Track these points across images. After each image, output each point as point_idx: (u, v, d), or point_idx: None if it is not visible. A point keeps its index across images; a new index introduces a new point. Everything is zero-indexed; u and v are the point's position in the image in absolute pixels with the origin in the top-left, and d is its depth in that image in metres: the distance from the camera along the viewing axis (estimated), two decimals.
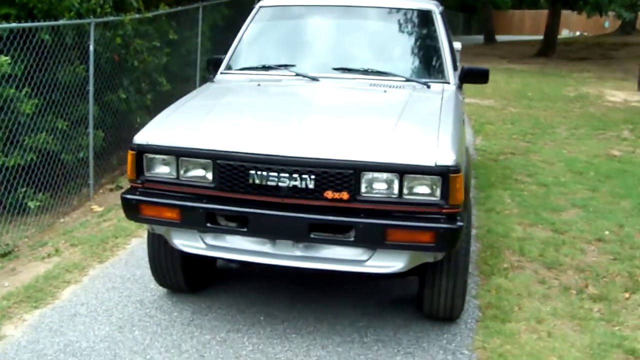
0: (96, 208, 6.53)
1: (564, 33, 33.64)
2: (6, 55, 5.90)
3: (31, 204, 6.26)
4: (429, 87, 4.22)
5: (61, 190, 6.75)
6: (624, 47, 23.41)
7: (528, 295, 4.33)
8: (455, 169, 3.17)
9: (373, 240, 3.25)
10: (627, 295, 4.39)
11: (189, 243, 3.60)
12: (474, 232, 5.47)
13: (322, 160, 3.22)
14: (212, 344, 3.67)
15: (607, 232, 5.50)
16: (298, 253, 3.45)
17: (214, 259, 3.92)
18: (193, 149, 3.41)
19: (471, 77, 4.55)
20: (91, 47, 6.73)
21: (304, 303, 4.15)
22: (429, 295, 3.74)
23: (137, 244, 5.14)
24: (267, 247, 3.49)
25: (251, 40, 4.76)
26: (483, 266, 4.77)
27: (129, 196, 3.55)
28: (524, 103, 12.25)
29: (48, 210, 6.47)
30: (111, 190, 7.20)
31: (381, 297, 4.28)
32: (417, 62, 4.52)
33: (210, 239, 3.57)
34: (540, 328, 3.91)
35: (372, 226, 3.21)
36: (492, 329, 3.87)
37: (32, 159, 6.24)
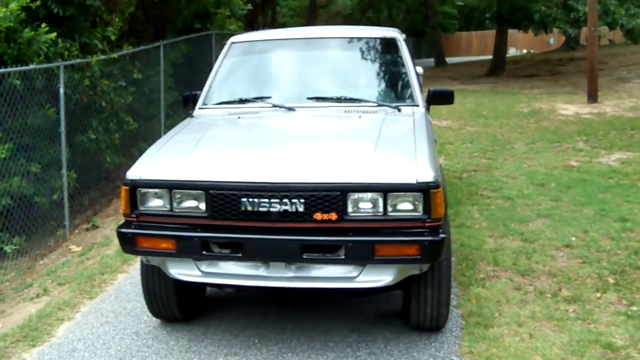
0: (74, 248, 6.58)
1: (511, 51, 34.73)
2: None
3: (7, 249, 6.29)
4: (399, 110, 4.47)
5: (37, 233, 6.78)
6: (570, 62, 24.31)
7: (506, 301, 4.56)
8: (435, 185, 3.40)
9: (362, 256, 3.44)
10: (598, 295, 4.65)
11: (185, 272, 3.74)
12: None
13: (310, 185, 3.42)
14: None
15: (573, 238, 5.79)
16: (291, 274, 3.62)
17: (210, 285, 4.05)
18: (184, 181, 3.57)
19: (437, 98, 4.82)
20: (61, 90, 6.84)
21: (295, 324, 4.30)
22: (415, 307, 3.94)
23: (124, 279, 5.23)
24: (261, 271, 3.65)
25: (225, 75, 4.96)
26: (461, 277, 4.99)
27: (124, 230, 3.68)
28: (480, 122, 12.66)
29: (25, 253, 6.50)
30: (87, 229, 7.25)
31: (367, 313, 4.46)
32: (386, 88, 4.78)
33: (205, 267, 3.72)
34: (522, 330, 4.13)
35: (361, 243, 3.41)
36: (476, 335, 4.08)
37: (6, 203, 6.28)
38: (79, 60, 7.21)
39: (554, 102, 15.11)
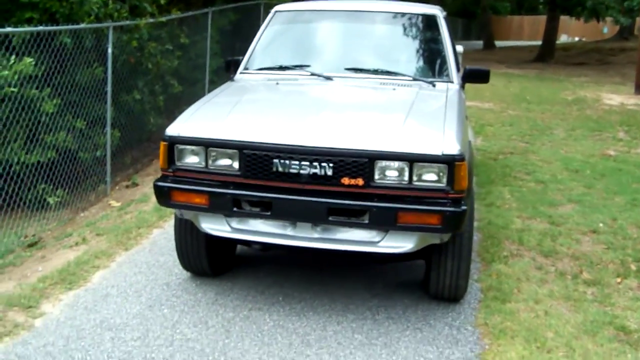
0: (114, 203, 6.85)
1: (563, 39, 34.06)
2: (29, 58, 6.24)
3: (50, 200, 6.58)
4: (434, 85, 4.56)
5: (79, 187, 7.07)
6: (621, 52, 23.78)
7: (526, 279, 4.65)
8: (460, 158, 3.50)
9: (385, 222, 3.57)
10: (618, 280, 4.71)
11: (216, 227, 3.92)
12: (476, 224, 5.78)
13: (340, 150, 3.56)
14: (236, 320, 3.99)
15: (601, 225, 5.82)
16: (317, 235, 3.78)
17: (239, 241, 4.22)
18: (221, 139, 3.74)
19: (473, 77, 4.88)
20: (109, 50, 7.06)
21: (319, 285, 4.47)
22: (435, 277, 4.06)
23: (159, 233, 5.47)
24: (288, 230, 3.82)
25: (267, 43, 5.10)
26: (484, 254, 5.09)
27: (161, 183, 3.88)
28: (523, 106, 12.58)
29: (66, 206, 6.79)
30: (127, 187, 7.52)
31: (389, 280, 4.60)
32: (423, 63, 4.86)
33: (235, 223, 3.90)
34: (538, 308, 4.22)
35: (385, 209, 3.53)
36: (493, 308, 4.19)
37: (52, 156, 6.56)
38: (127, 22, 7.41)
39: (600, 91, 14.90)
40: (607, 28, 32.54)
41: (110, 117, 7.30)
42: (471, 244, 4.05)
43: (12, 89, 5.99)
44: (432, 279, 4.09)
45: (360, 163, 3.54)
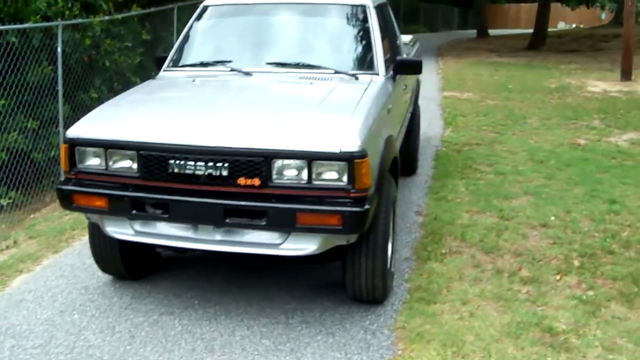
0: None
1: (560, 25, 33.59)
2: None
3: (2, 201, 6.50)
4: (357, 78, 4.40)
5: (34, 188, 6.98)
6: (615, 38, 23.28)
7: (459, 278, 4.49)
8: (359, 155, 3.34)
9: (284, 224, 3.43)
10: (558, 277, 4.54)
11: (119, 230, 3.80)
12: (420, 219, 5.66)
13: (234, 149, 3.42)
14: (144, 326, 3.87)
15: (552, 218, 5.65)
16: (219, 237, 3.64)
17: (144, 245, 4.09)
18: (119, 140, 3.61)
19: (404, 68, 4.72)
20: (59, 49, 6.94)
21: (239, 287, 4.34)
22: (350, 278, 3.92)
23: None
24: (190, 233, 3.69)
25: (193, 38, 4.96)
26: (422, 252, 4.93)
27: (62, 187, 3.76)
28: (503, 95, 12.36)
29: (22, 207, 6.70)
30: None
31: (314, 281, 4.45)
32: (347, 55, 4.69)
33: (138, 226, 3.77)
34: (464, 309, 4.06)
35: (282, 211, 3.39)
36: (416, 310, 4.04)
37: (2, 158, 6.46)
38: (77, 21, 7.29)
39: (587, 78, 14.64)
40: (604, 14, 32.06)
41: (63, 117, 7.19)
42: (386, 242, 3.89)
43: None
44: (347, 280, 3.95)
45: (256, 162, 3.40)
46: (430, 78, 14.90)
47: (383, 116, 4.10)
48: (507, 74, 15.76)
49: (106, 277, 4.49)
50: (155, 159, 3.52)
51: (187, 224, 3.65)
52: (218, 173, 3.43)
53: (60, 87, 7.03)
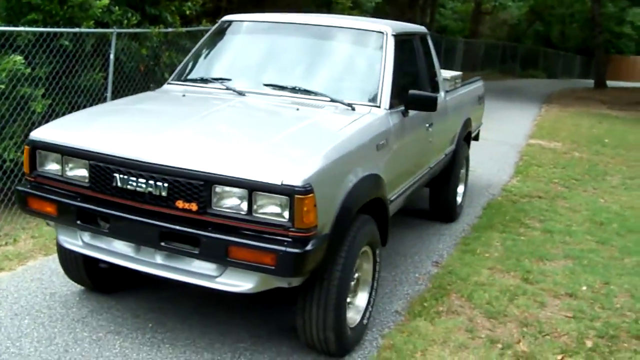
0: None
1: None
2: (33, 58, 6.36)
3: None
4: (353, 109, 4.06)
5: None
6: None
7: (442, 342, 4.01)
8: (302, 190, 3.02)
9: (216, 255, 3.16)
10: (559, 357, 3.97)
11: (69, 240, 3.68)
12: (433, 271, 5.20)
13: (174, 169, 3.19)
14: (84, 342, 3.70)
15: (584, 288, 5.01)
16: (159, 261, 3.42)
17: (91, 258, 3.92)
18: (72, 147, 3.49)
19: (416, 103, 4.32)
20: (111, 56, 7.06)
21: (202, 316, 4.09)
22: (300, 325, 3.58)
23: None
24: (132, 252, 3.49)
25: (204, 53, 4.81)
26: (416, 307, 4.48)
27: (19, 188, 3.68)
28: (594, 149, 11.46)
29: None
30: None
31: (285, 322, 4.11)
32: (349, 84, 4.35)
33: (87, 238, 3.62)
34: None
35: (215, 241, 3.12)
36: None
37: None
38: (132, 30, 7.38)
39: None
40: None
41: None
42: (344, 292, 3.51)
43: (0, 85, 6.10)
44: (298, 327, 3.60)
45: (195, 185, 3.15)
46: (523, 124, 14.17)
47: (365, 152, 3.74)
48: (609, 127, 14.69)
49: (78, 287, 4.38)
50: (102, 170, 3.36)
51: (125, 241, 3.46)
52: (158, 192, 3.22)
53: (109, 94, 7.12)
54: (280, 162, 3.21)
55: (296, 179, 3.04)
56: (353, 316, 3.86)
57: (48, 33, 6.42)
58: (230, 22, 4.93)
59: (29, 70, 6.32)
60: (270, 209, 3.11)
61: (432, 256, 5.56)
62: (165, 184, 3.19)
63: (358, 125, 3.83)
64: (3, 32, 6.25)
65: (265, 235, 3.10)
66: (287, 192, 3.03)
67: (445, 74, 6.12)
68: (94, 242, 3.61)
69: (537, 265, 5.44)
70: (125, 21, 7.34)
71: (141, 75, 7.78)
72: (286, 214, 3.07)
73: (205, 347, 3.75)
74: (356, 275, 3.81)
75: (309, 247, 3.07)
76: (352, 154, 3.56)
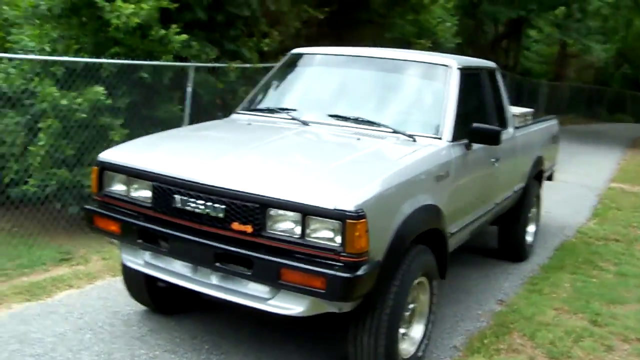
0: None
1: None
2: (115, 90, 6.72)
3: None
4: (414, 140, 4.07)
5: None
6: None
7: None
8: (354, 215, 3.04)
9: (268, 277, 3.20)
10: None
11: (132, 259, 3.81)
12: (497, 309, 5.06)
13: (231, 191, 3.27)
14: (140, 358, 3.81)
15: None
16: (214, 282, 3.49)
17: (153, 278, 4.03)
18: (137, 169, 3.64)
19: (479, 136, 4.28)
20: (189, 89, 7.35)
21: (259, 341, 4.13)
22: (352, 353, 3.56)
23: None
24: (189, 272, 3.58)
25: (272, 84, 4.95)
26: (475, 343, 4.37)
27: (87, 207, 3.87)
28: None
29: None
30: None
31: (338, 351, 4.08)
32: (411, 116, 4.36)
33: (148, 257, 3.74)
34: None
35: (267, 263, 3.16)
36: None
37: None
38: (209, 65, 7.67)
39: None
40: None
41: None
42: (396, 321, 3.48)
43: (82, 115, 6.46)
44: (350, 356, 3.58)
45: (251, 208, 3.22)
46: (605, 167, 13.70)
47: (424, 183, 3.73)
48: None
49: (141, 307, 4.51)
50: (163, 191, 3.49)
51: (183, 261, 3.55)
52: (215, 214, 3.31)
53: (185, 125, 7.37)
54: (334, 187, 3.24)
55: (349, 204, 3.06)
56: (407, 347, 3.81)
57: (129, 65, 6.77)
58: (299, 55, 5.06)
59: (109, 101, 6.68)
60: (323, 234, 3.14)
61: (497, 294, 5.42)
62: (222, 206, 3.28)
63: (417, 155, 3.83)
64: (89, 64, 6.64)
65: (317, 259, 3.12)
66: (339, 216, 3.05)
67: (515, 110, 6.04)
68: (154, 262, 3.72)
69: (608, 308, 5.21)
70: (204, 56, 7.64)
71: (217, 109, 8.04)
72: (338, 239, 3.09)
73: None
74: (411, 306, 3.78)
75: (359, 273, 3.07)
76: (408, 184, 3.55)
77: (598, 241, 7.38)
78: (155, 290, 4.25)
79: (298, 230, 3.18)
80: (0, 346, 3.83)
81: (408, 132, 4.11)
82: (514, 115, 5.75)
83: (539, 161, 6.35)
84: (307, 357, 4.00)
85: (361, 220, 3.06)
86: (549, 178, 7.54)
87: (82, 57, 6.70)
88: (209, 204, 3.32)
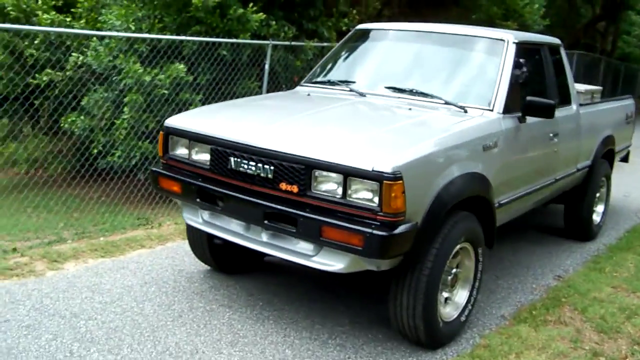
0: None
1: None
2: (196, 67, 7.10)
3: None
4: (465, 111, 4.16)
5: None
6: None
7: (540, 348, 3.94)
8: (390, 177, 3.19)
9: (310, 234, 3.40)
10: None
11: (191, 217, 4.12)
12: (552, 284, 5.07)
13: (279, 153, 3.50)
14: (197, 310, 4.12)
15: None
16: (265, 239, 3.74)
17: (211, 235, 4.29)
18: (197, 133, 3.93)
19: (532, 109, 4.31)
20: (266, 67, 7.63)
21: (311, 300, 4.38)
22: (392, 311, 3.72)
23: None
24: (242, 230, 3.84)
25: (335, 58, 5.15)
26: (524, 314, 4.43)
27: (153, 168, 4.20)
28: None
29: None
30: None
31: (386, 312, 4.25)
32: (464, 88, 4.42)
33: (206, 216, 4.03)
34: None
35: (310, 221, 3.37)
36: None
37: None
38: (287, 43, 7.91)
39: None
40: None
41: None
42: (435, 281, 3.60)
43: (164, 90, 6.87)
44: (390, 313, 3.75)
45: (297, 169, 3.43)
46: None
47: (469, 151, 3.81)
48: None
49: (204, 267, 4.82)
50: (220, 154, 3.75)
51: (235, 219, 3.81)
52: (265, 175, 3.54)
53: None
54: (374, 150, 3.40)
55: (386, 166, 3.21)
56: (450, 311, 3.94)
57: (208, 43, 7.12)
58: (362, 31, 5.22)
59: (190, 78, 7.06)
60: (363, 194, 3.31)
61: (556, 270, 5.41)
62: (272, 167, 3.51)
63: (464, 125, 3.93)
64: (170, 42, 7.03)
65: (356, 218, 3.30)
66: (377, 178, 3.22)
67: (580, 87, 5.95)
68: (212, 220, 4.01)
69: None
70: (282, 34, 7.90)
71: (294, 86, 8.27)
72: (376, 199, 3.26)
73: (305, 327, 4.00)
74: (454, 270, 3.89)
75: (395, 232, 3.23)
76: (451, 150, 3.66)
77: None
78: (216, 249, 4.54)
79: (340, 190, 3.36)
80: (75, 294, 4.24)
81: (460, 104, 4.20)
82: (579, 93, 5.68)
83: (608, 140, 6.23)
84: (354, 316, 4.19)
85: (398, 182, 3.21)
86: (624, 159, 7.35)
87: (165, 35, 7.10)
88: (259, 165, 3.55)
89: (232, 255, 4.64)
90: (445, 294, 3.88)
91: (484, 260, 4.09)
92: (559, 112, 4.99)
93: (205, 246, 4.52)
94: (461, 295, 4.02)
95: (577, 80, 11.85)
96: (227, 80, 7.46)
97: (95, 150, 7.01)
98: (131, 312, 4.04)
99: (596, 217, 6.39)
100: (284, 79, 8.17)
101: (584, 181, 5.94)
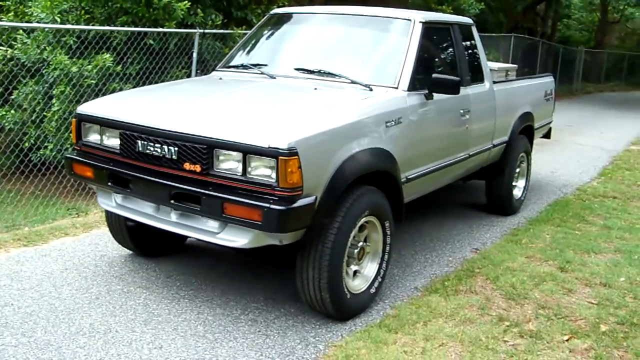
0: None
1: None
2: (125, 57, 7.11)
3: None
4: (370, 89, 4.29)
5: None
6: None
7: (448, 316, 4.11)
8: (286, 153, 3.31)
9: (213, 211, 3.50)
10: (566, 337, 3.96)
11: (105, 201, 4.18)
12: (469, 256, 5.27)
13: (182, 134, 3.58)
14: (115, 293, 4.19)
15: (622, 279, 4.89)
16: (174, 219, 3.82)
17: (124, 218, 4.37)
18: (108, 119, 3.98)
19: (438, 86, 4.47)
20: (194, 55, 7.67)
21: (229, 281, 4.47)
22: (299, 284, 3.85)
23: None
24: (152, 211, 3.92)
25: (249, 43, 5.24)
26: (435, 285, 4.61)
27: (67, 155, 4.24)
28: None
29: None
30: None
31: None
32: (371, 67, 4.57)
33: (120, 200, 4.10)
34: (422, 345, 3.72)
35: (213, 198, 3.47)
36: (368, 334, 3.79)
37: None
38: (214, 31, 7.98)
39: None
40: None
41: None
42: (339, 254, 3.73)
43: (91, 80, 6.86)
44: (298, 288, 3.88)
45: (199, 149, 3.53)
46: (629, 132, 13.61)
47: (370, 127, 3.95)
48: None
49: (127, 252, 4.88)
50: (128, 138, 3.82)
51: (145, 200, 3.89)
52: (170, 156, 3.63)
53: None
54: (271, 128, 3.51)
55: (281, 143, 3.33)
56: (359, 284, 4.08)
57: (134, 33, 7.13)
58: (276, 15, 5.32)
59: (119, 68, 7.06)
60: (262, 171, 3.42)
61: (474, 244, 5.62)
62: (175, 148, 3.59)
63: (367, 102, 4.06)
64: (102, 34, 7.03)
65: (256, 195, 3.41)
66: (273, 154, 3.33)
67: (494, 65, 6.16)
68: (124, 203, 4.08)
69: (581, 257, 5.36)
70: (210, 22, 7.95)
71: None
72: (273, 175, 3.37)
73: (220, 304, 4.11)
74: (361, 244, 4.03)
75: (292, 206, 3.35)
76: (351, 127, 3.79)
77: (595, 198, 7.46)
78: (135, 233, 4.61)
79: (240, 168, 3.47)
80: None
81: (365, 82, 4.34)
82: (493, 70, 5.88)
83: (526, 117, 6.46)
84: (270, 293, 4.31)
85: (293, 157, 3.32)
86: (546, 136, 7.62)
87: (92, 26, 7.09)
88: (164, 147, 3.64)
89: (151, 239, 4.71)
90: (353, 267, 4.02)
91: (392, 234, 4.24)
92: (471, 90, 5.19)
93: (124, 230, 4.58)
94: (370, 268, 4.16)
95: (515, 63, 12.13)
96: (156, 69, 7.49)
97: (27, 144, 6.97)
98: (49, 296, 4.09)
99: (517, 192, 6.63)
100: (213, 67, 8.18)
101: (503, 157, 6.16)
